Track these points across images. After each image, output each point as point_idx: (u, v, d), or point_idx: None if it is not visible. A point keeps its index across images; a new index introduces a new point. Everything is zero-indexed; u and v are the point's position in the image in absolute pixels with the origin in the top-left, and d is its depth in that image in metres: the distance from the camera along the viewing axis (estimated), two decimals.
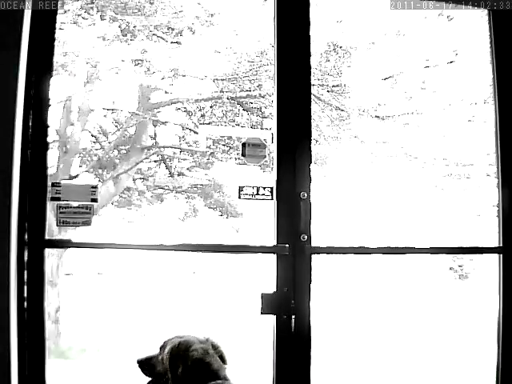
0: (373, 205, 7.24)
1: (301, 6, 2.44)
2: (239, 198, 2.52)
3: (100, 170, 6.54)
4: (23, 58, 2.12)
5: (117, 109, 6.54)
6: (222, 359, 2.25)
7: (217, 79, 6.47)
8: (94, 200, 2.30)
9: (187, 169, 6.89)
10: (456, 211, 7.28)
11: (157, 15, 6.10)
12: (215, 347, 2.25)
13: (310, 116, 2.44)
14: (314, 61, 2.77)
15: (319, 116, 6.59)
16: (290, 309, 2.29)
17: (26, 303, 2.13)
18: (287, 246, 2.32)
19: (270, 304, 2.29)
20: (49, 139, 2.24)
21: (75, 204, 2.28)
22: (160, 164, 6.95)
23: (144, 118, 6.49)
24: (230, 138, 6.54)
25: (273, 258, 2.34)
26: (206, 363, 2.17)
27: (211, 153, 6.56)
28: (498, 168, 2.65)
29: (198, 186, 7.08)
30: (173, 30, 6.17)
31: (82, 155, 6.57)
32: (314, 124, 2.98)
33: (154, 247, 2.55)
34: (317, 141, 6.60)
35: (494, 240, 2.70)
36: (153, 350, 2.34)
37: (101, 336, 6.63)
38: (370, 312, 7.92)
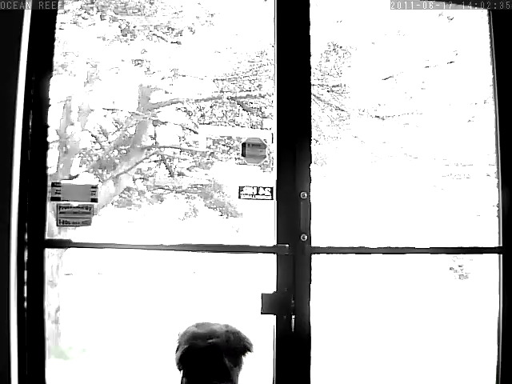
0: (373, 205, 7.24)
1: (301, 5, 2.44)
2: (239, 198, 2.53)
3: (100, 170, 6.54)
4: (23, 58, 2.12)
5: (117, 109, 6.54)
6: (246, 349, 2.06)
7: (217, 79, 6.47)
8: (94, 200, 2.29)
9: (187, 169, 6.90)
10: (456, 211, 7.28)
11: (157, 15, 6.10)
12: (235, 340, 2.05)
13: (310, 116, 2.44)
14: (314, 61, 2.77)
15: (319, 116, 6.59)
16: (289, 309, 2.29)
17: (25, 303, 2.13)
18: (287, 246, 2.32)
19: (269, 304, 2.29)
20: (49, 139, 2.24)
21: (75, 204, 2.28)
22: (160, 164, 6.95)
23: (144, 118, 6.49)
24: (229, 138, 6.54)
25: (273, 258, 2.34)
26: (209, 361, 2.06)
27: (211, 153, 6.57)
28: (498, 168, 2.65)
29: (198, 186, 7.09)
30: (173, 30, 6.18)
31: (81, 155, 6.57)
32: (314, 124, 2.98)
33: (154, 247, 2.55)
34: (317, 141, 6.60)
35: (494, 240, 2.70)
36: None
37: (101, 336, 6.63)
38: (370, 312, 7.92)
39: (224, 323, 2.10)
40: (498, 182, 2.65)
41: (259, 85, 6.51)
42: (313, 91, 3.20)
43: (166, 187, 7.09)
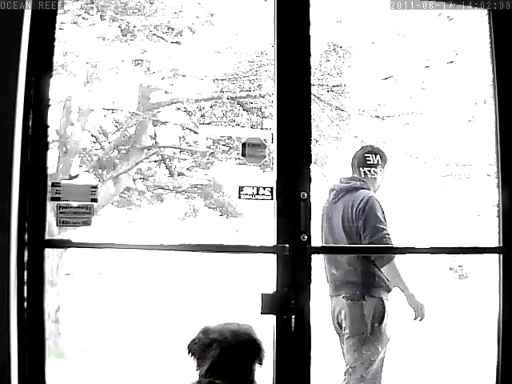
0: None
1: (301, 5, 2.44)
2: (239, 198, 2.53)
3: (100, 170, 6.54)
4: (23, 58, 2.12)
5: (117, 109, 6.54)
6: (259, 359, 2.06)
7: (217, 79, 6.47)
8: (94, 200, 2.30)
9: (187, 169, 6.90)
10: (456, 211, 7.28)
11: (157, 15, 6.10)
12: (255, 354, 2.04)
13: (310, 116, 2.44)
14: (314, 61, 2.77)
15: (319, 116, 6.59)
16: (290, 309, 2.29)
17: (25, 303, 2.13)
18: (287, 246, 2.32)
19: (269, 304, 2.29)
20: (49, 139, 2.24)
21: (75, 204, 2.28)
22: (160, 164, 6.96)
23: (144, 118, 6.49)
24: (229, 138, 6.54)
25: (273, 258, 2.34)
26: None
27: (211, 153, 6.57)
28: (498, 168, 2.65)
29: (198, 186, 7.09)
30: (173, 30, 6.18)
31: (82, 155, 6.57)
32: (314, 124, 2.98)
33: (154, 247, 2.55)
34: (317, 141, 6.60)
35: (493, 240, 2.70)
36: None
37: (101, 336, 6.63)
38: None
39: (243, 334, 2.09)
40: (498, 182, 2.65)
41: (259, 85, 6.51)
42: (313, 91, 3.20)
43: (166, 187, 7.09)
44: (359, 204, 3.33)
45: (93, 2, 5.93)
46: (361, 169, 3.51)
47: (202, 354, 2.04)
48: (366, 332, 3.35)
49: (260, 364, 2.05)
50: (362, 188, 3.43)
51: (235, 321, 2.13)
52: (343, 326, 3.45)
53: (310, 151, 2.41)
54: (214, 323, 2.12)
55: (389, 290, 3.43)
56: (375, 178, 3.51)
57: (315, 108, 6.43)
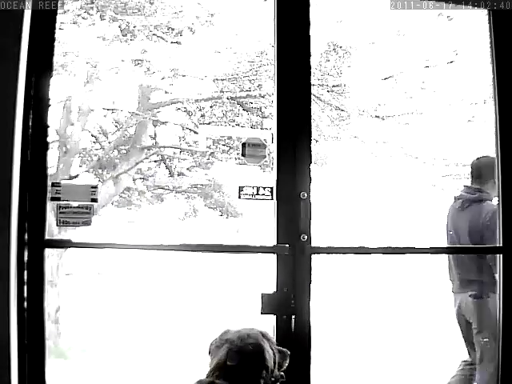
0: (373, 205, 7.24)
1: (301, 6, 2.44)
2: (239, 197, 2.53)
3: (100, 170, 6.54)
4: (23, 58, 2.12)
5: (117, 109, 6.55)
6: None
7: (217, 79, 6.47)
8: (94, 200, 2.30)
9: (187, 169, 6.90)
10: None
11: (157, 15, 6.10)
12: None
13: (310, 116, 2.45)
14: (314, 61, 2.77)
15: (319, 116, 6.59)
16: (290, 309, 2.29)
17: (25, 303, 2.13)
18: (287, 246, 2.32)
19: (269, 304, 2.29)
20: (49, 139, 2.24)
21: (75, 204, 2.28)
22: (160, 164, 6.96)
23: (144, 118, 6.49)
24: (229, 138, 6.55)
25: (273, 258, 2.34)
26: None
27: (211, 153, 6.57)
28: (497, 168, 2.65)
29: (198, 186, 7.09)
30: (173, 30, 6.18)
31: (81, 155, 6.58)
32: (314, 124, 2.99)
33: (154, 247, 2.56)
34: (317, 141, 6.60)
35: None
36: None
37: (101, 336, 6.63)
38: (369, 312, 7.92)
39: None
40: (498, 182, 2.65)
41: (259, 85, 6.51)
42: (313, 91, 3.20)
43: (166, 187, 7.10)
44: (486, 216, 3.50)
45: (93, 2, 5.93)
46: (482, 178, 3.67)
47: (214, 354, 2.06)
48: (494, 327, 3.52)
49: (266, 372, 2.03)
50: (487, 199, 3.62)
51: (254, 326, 2.12)
52: (471, 322, 3.61)
53: (310, 151, 2.41)
54: (235, 327, 2.11)
55: None
56: (494, 186, 3.66)
57: (315, 108, 6.43)
